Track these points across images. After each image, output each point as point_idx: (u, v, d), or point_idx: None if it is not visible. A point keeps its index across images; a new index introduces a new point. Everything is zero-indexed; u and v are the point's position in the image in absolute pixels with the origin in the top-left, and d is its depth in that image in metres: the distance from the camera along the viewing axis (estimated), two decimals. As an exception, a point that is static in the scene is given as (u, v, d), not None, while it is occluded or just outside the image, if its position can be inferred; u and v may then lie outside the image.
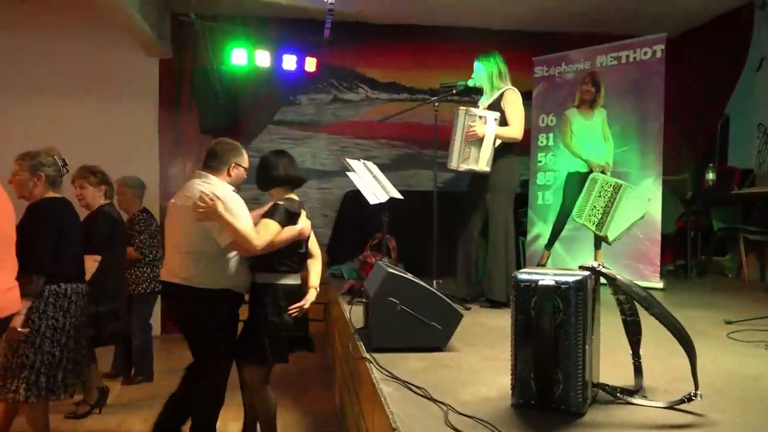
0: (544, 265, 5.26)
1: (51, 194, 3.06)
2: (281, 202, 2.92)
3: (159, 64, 6.47)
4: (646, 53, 5.09)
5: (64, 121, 6.09)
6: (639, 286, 1.91)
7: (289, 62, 6.22)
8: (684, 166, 6.33)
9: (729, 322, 3.31)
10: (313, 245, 3.18)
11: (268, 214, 2.86)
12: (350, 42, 6.61)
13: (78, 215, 3.28)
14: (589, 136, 5.24)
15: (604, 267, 1.92)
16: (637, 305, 1.96)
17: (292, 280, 2.96)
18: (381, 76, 6.80)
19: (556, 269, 1.97)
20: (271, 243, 2.80)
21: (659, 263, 5.05)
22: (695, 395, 1.84)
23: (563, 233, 5.32)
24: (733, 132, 6.29)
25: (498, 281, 3.88)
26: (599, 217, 5.05)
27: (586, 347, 1.82)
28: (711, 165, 5.78)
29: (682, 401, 1.86)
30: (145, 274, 4.51)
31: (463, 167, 3.92)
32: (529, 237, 5.61)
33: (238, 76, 6.32)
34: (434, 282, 3.76)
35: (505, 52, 4.19)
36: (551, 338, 1.80)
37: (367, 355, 2.42)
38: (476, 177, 4.03)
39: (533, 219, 5.63)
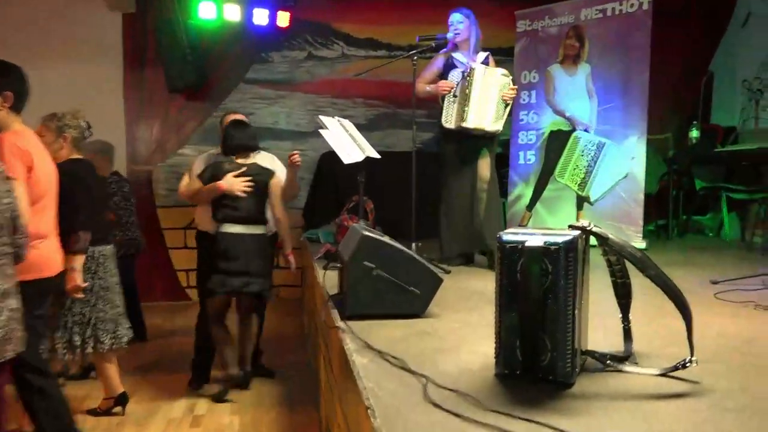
0: (525, 226, 5.12)
1: (76, 156, 3.07)
2: None
3: (122, 19, 6.11)
4: (632, 5, 4.88)
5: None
6: (633, 246, 1.77)
7: (261, 16, 5.92)
8: (667, 125, 6.20)
9: (715, 282, 3.23)
10: None
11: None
12: (325, -5, 6.30)
13: (99, 178, 3.34)
14: (573, 93, 5.06)
15: (595, 226, 1.78)
16: (628, 266, 1.84)
17: None
18: (358, 31, 6.50)
19: (543, 229, 1.82)
20: None
21: (642, 223, 4.96)
22: (690, 361, 1.73)
23: (545, 193, 5.18)
24: (717, 89, 6.17)
25: (496, 232, 3.76)
26: (582, 176, 4.92)
27: (576, 312, 1.69)
28: (695, 123, 5.66)
29: (676, 368, 1.74)
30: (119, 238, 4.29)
31: (492, 128, 3.80)
32: (510, 198, 5.46)
33: (206, 31, 5.99)
34: (413, 245, 3.61)
35: (487, 6, 4.01)
36: (539, 303, 1.66)
37: (341, 324, 2.27)
38: (470, 135, 3.86)
39: (514, 179, 5.48)
